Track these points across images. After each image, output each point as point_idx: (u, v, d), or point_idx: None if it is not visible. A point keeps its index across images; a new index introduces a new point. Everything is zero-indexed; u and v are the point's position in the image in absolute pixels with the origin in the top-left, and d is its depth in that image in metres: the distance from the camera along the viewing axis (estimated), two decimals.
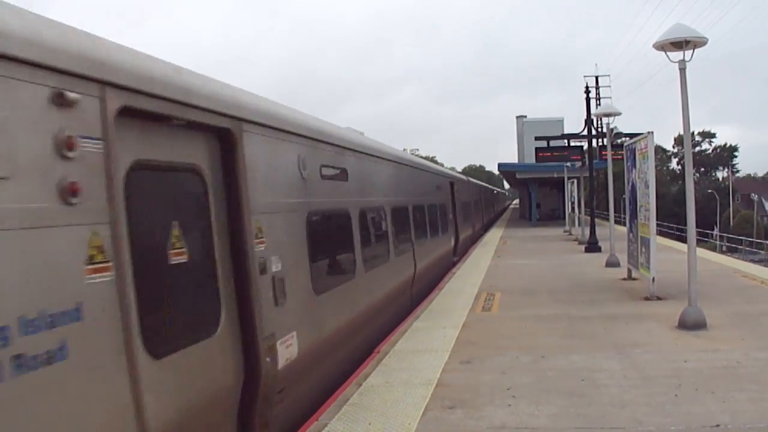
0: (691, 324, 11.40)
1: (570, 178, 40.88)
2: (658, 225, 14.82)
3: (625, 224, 19.67)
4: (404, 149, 23.09)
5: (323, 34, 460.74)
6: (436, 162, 52.98)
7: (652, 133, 14.54)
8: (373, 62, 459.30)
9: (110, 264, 4.66)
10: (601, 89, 43.43)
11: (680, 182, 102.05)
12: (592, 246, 27.33)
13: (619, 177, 25.50)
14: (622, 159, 18.50)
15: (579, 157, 37.81)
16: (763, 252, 49.48)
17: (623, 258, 19.09)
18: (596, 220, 29.49)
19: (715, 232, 70.21)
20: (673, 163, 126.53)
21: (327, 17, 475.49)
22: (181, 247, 5.85)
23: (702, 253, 21.70)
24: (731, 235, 56.53)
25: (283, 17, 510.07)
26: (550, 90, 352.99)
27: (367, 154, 12.97)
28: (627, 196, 17.46)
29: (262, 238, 7.17)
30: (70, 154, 4.38)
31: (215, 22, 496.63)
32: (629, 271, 17.80)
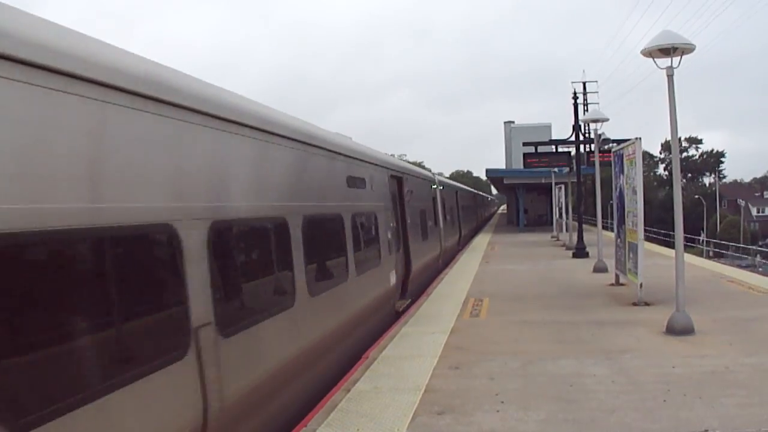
0: (679, 329, 11.44)
1: (557, 184, 40.97)
2: (645, 231, 14.83)
3: (612, 230, 19.69)
4: (392, 154, 23.68)
5: (314, 40, 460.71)
6: (423, 167, 52.99)
7: (640, 138, 14.60)
8: (363, 68, 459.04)
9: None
10: (588, 95, 43.54)
11: (667, 188, 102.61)
12: (580, 251, 27.37)
13: (606, 183, 25.56)
14: (610, 161, 18.55)
15: (565, 164, 37.78)
16: (749, 257, 49.69)
17: (611, 263, 19.17)
18: (584, 225, 29.56)
19: (702, 237, 70.44)
20: (660, 169, 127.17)
21: (318, 23, 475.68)
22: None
23: (689, 258, 21.79)
24: (718, 241, 56.66)
25: (274, 23, 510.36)
26: (539, 96, 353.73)
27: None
28: (615, 201, 17.49)
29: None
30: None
31: (207, 28, 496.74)
32: (617, 276, 17.86)
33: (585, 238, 28.12)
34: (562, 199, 40.02)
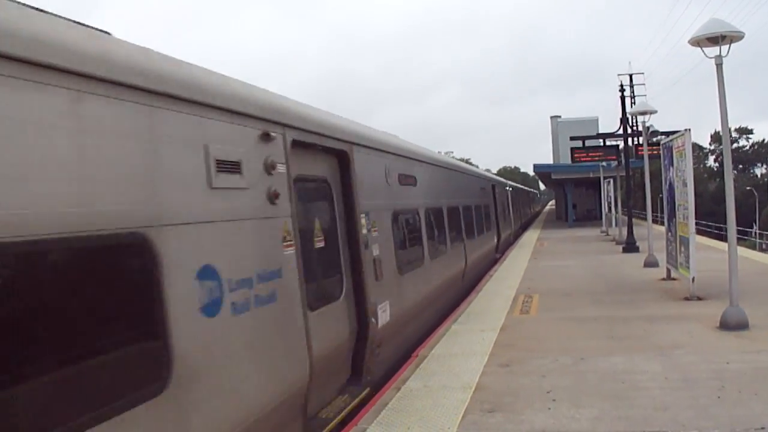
0: (733, 324, 11.24)
1: (606, 178, 40.56)
2: (696, 224, 14.60)
3: (662, 224, 19.42)
4: (439, 151, 23.08)
5: (361, 38, 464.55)
6: (470, 164, 52.75)
7: (689, 130, 14.37)
8: (410, 66, 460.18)
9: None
10: (635, 87, 43.13)
11: (718, 180, 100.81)
12: (630, 246, 27.09)
13: (656, 176, 25.25)
14: (659, 154, 18.31)
15: (613, 157, 37.38)
16: None
17: (662, 258, 18.91)
18: (633, 219, 29.23)
19: (755, 229, 69.16)
20: (710, 161, 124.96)
21: (365, 21, 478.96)
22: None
23: (742, 251, 21.39)
24: None
25: (321, 23, 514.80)
26: (586, 89, 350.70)
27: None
28: (665, 194, 17.26)
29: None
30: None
31: (256, 31, 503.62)
32: (668, 271, 17.61)
33: (635, 233, 27.82)
34: (611, 194, 39.63)
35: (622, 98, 33.49)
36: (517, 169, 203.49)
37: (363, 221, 9.79)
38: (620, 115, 32.92)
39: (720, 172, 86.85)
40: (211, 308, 5.51)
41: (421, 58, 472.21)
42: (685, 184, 14.70)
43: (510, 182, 48.92)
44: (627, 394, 8.12)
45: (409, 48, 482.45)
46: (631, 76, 42.90)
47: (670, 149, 16.06)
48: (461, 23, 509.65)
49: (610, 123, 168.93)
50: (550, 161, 77.15)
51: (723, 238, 28.15)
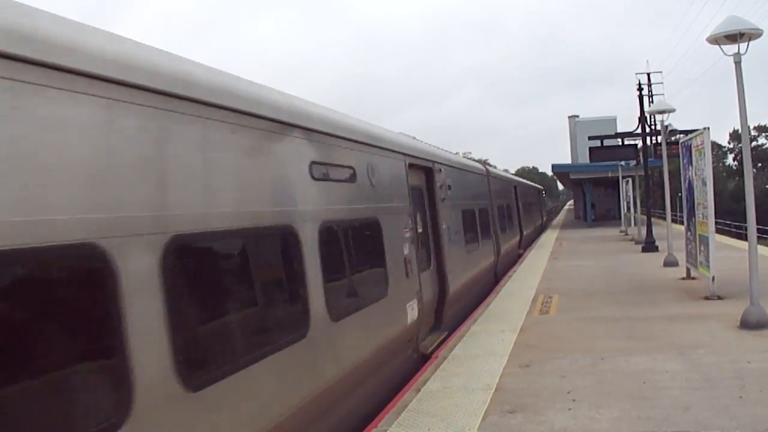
0: (753, 323, 11.19)
1: (625, 178, 40.36)
2: (715, 222, 14.53)
3: (681, 223, 19.32)
4: (457, 153, 23.12)
5: (382, 43, 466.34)
6: (489, 165, 52.56)
7: (708, 128, 14.29)
8: (431, 69, 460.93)
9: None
10: (653, 86, 42.85)
11: (737, 178, 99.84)
12: (649, 246, 27.02)
13: (674, 175, 25.13)
14: (678, 153, 18.24)
15: (632, 157, 37.21)
16: None
17: (681, 257, 18.83)
18: (652, 219, 29.11)
19: None
20: (729, 159, 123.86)
21: (385, 25, 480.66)
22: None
23: (762, 250, 21.25)
24: None
25: (343, 28, 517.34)
26: (604, 89, 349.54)
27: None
28: (684, 193, 17.18)
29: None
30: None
31: (279, 35, 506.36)
32: (688, 270, 17.54)
33: (654, 232, 27.74)
34: (630, 193, 39.45)
35: (641, 97, 33.38)
36: (535, 169, 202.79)
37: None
38: (638, 114, 32.81)
39: (739, 171, 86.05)
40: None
41: (442, 61, 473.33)
42: (704, 183, 14.63)
43: (530, 182, 48.76)
44: (648, 394, 8.11)
45: (430, 51, 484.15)
46: (649, 75, 42.62)
47: (689, 148, 15.99)
48: (481, 26, 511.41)
49: (628, 122, 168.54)
50: (569, 161, 76.59)
51: (742, 236, 27.96)
